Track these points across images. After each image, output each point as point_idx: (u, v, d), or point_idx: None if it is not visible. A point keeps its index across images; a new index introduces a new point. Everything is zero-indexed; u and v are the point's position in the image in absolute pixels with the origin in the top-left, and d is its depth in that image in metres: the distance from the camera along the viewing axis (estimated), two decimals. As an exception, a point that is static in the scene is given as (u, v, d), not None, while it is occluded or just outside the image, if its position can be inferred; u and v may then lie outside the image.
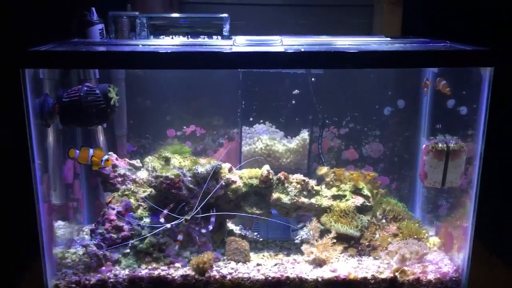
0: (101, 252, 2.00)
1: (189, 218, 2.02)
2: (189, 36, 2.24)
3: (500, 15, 2.38)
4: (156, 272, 1.98)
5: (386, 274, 2.01)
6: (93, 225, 2.08)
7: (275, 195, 2.18)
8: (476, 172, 1.97)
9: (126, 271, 1.98)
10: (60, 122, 1.94)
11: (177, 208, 2.06)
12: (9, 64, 1.82)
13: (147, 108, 2.40)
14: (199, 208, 2.04)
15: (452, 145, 2.08)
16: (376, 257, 2.14)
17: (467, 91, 2.07)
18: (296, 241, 2.33)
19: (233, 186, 2.16)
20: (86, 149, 2.01)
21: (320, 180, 2.32)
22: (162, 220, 2.03)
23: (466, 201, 2.05)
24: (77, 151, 2.01)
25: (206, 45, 2.11)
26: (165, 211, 2.04)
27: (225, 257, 2.10)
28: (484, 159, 1.95)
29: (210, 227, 2.07)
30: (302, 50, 1.87)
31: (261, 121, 2.42)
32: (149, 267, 2.01)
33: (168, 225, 2.02)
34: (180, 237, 2.02)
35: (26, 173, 1.84)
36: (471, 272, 2.03)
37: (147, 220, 2.07)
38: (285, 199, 2.17)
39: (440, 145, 2.09)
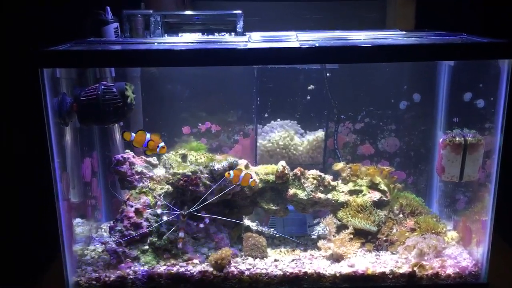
0: (120, 249, 2.01)
1: (185, 213, 2.03)
2: (206, 33, 2.24)
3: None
4: (174, 269, 2.00)
5: (405, 269, 2.01)
6: (112, 222, 2.10)
7: (291, 191, 2.18)
8: (495, 165, 1.95)
9: (145, 268, 2.00)
10: (78, 121, 1.96)
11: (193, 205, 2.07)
12: (27, 64, 1.84)
13: (162, 106, 2.41)
14: (198, 205, 2.04)
15: (469, 138, 2.06)
16: (394, 252, 2.13)
17: (484, 84, 2.05)
18: (312, 236, 2.33)
19: (250, 182, 2.16)
20: (143, 133, 1.97)
21: (336, 175, 2.31)
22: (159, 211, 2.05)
23: (485, 195, 2.03)
24: (133, 134, 1.97)
25: (221, 42, 2.11)
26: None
27: (242, 253, 2.11)
28: (502, 152, 1.93)
29: (207, 221, 2.07)
30: (317, 45, 1.86)
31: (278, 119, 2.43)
32: (168, 263, 2.03)
33: (165, 218, 2.04)
34: (181, 234, 2.02)
35: (46, 172, 1.86)
36: (491, 266, 2.02)
37: (164, 217, 2.08)
38: (302, 194, 2.17)
39: (457, 139, 2.07)
